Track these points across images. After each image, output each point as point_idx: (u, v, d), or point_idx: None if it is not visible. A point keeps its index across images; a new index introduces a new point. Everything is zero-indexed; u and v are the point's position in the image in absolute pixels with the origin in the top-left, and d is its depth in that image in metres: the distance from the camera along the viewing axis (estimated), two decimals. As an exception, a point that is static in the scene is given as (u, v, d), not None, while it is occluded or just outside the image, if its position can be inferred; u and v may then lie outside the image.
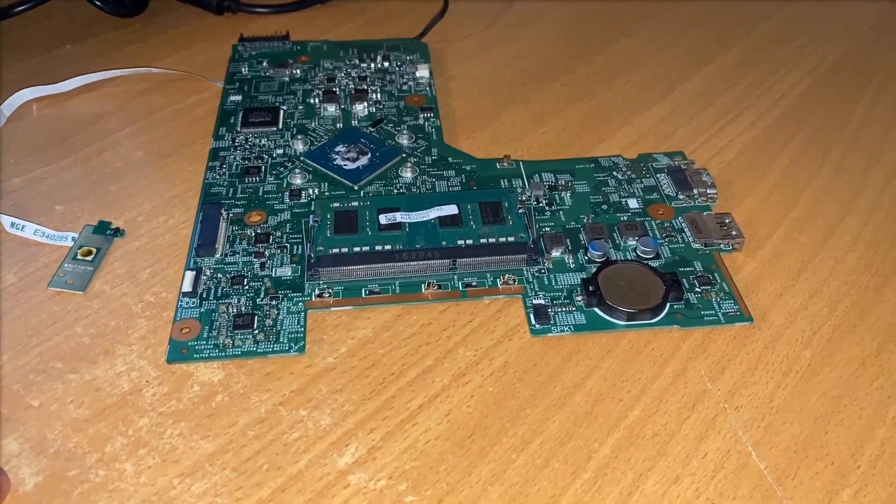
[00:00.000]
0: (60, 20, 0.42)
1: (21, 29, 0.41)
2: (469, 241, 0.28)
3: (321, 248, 0.27)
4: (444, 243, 0.28)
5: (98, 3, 0.40)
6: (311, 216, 0.29)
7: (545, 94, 0.37)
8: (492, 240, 0.28)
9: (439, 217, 0.28)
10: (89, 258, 0.28)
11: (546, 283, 0.27)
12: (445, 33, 0.41)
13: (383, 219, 0.28)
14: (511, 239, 0.28)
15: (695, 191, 0.30)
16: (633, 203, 0.30)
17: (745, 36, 0.43)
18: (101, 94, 0.37)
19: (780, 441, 0.23)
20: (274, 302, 0.26)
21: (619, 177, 0.31)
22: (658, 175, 0.31)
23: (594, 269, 0.27)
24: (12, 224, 0.29)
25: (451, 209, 0.29)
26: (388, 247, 0.27)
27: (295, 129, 0.34)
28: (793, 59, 0.41)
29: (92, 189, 0.31)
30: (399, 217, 0.28)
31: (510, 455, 0.22)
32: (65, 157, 0.33)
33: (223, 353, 0.24)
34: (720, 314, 0.26)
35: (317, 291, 0.26)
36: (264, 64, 0.38)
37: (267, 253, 0.28)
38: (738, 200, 0.31)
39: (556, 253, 0.28)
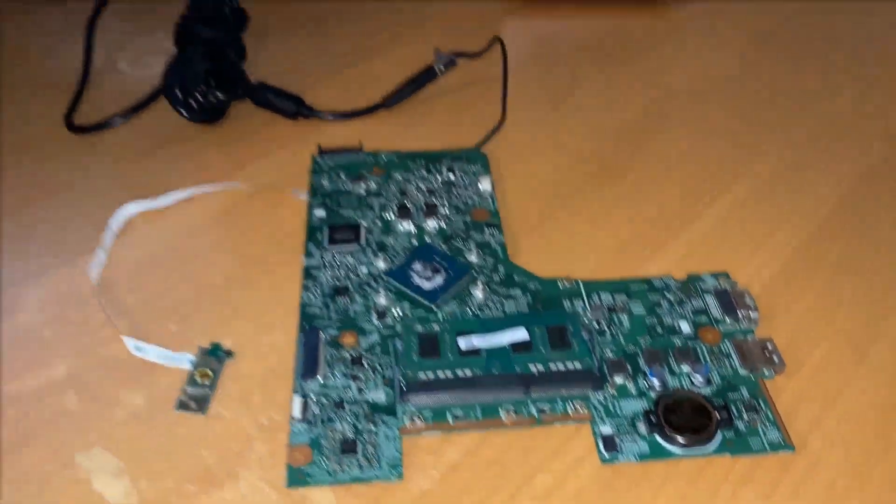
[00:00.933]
0: (151, 129, 0.46)
1: (114, 137, 0.45)
2: (540, 367, 0.31)
3: (409, 373, 0.31)
4: (517, 369, 0.31)
5: (183, 112, 0.44)
6: (397, 340, 0.32)
7: (596, 203, 0.41)
8: (560, 366, 0.31)
9: (512, 343, 0.32)
10: (206, 381, 0.32)
11: (611, 409, 0.30)
12: (502, 138, 0.45)
13: (462, 343, 0.32)
14: (577, 365, 0.31)
15: (739, 313, 0.34)
16: (684, 326, 0.34)
17: (783, 138, 0.46)
18: (196, 208, 0.40)
19: (822, 567, 0.26)
20: (372, 427, 0.30)
21: (671, 298, 0.35)
22: (706, 296, 0.35)
23: (654, 397, 0.31)
24: (136, 348, 0.33)
25: (522, 334, 0.32)
26: (468, 372, 0.31)
27: (375, 246, 0.37)
28: (828, 166, 0.44)
29: (199, 308, 0.35)
30: (476, 342, 0.32)
31: (588, 580, 0.26)
32: (171, 275, 0.37)
33: (334, 478, 0.28)
34: (765, 442, 0.29)
35: (408, 417, 0.30)
36: (342, 176, 0.42)
37: (362, 376, 0.32)
38: (778, 321, 0.34)
39: (618, 379, 0.31)
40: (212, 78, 0.45)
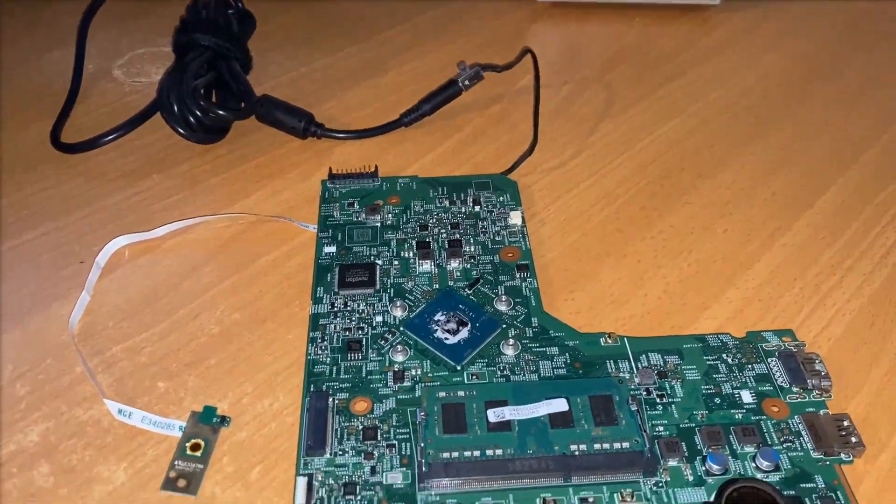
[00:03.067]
0: (145, 148, 0.42)
1: (104, 156, 0.41)
2: (582, 447, 0.27)
3: (431, 452, 0.27)
4: (556, 448, 0.27)
5: (181, 130, 0.40)
6: (417, 410, 0.28)
7: (641, 245, 0.36)
8: (605, 445, 0.27)
9: (549, 414, 0.28)
10: (198, 453, 0.28)
11: (665, 499, 0.26)
12: (533, 165, 0.41)
13: (492, 416, 0.28)
14: (626, 444, 0.27)
15: (809, 382, 0.29)
16: (746, 396, 0.29)
17: (845, 172, 0.41)
18: (193, 240, 0.36)
19: None
20: (389, 519, 0.26)
21: (730, 361, 0.30)
22: (769, 359, 0.30)
23: (713, 485, 0.26)
24: (119, 411, 0.29)
25: (562, 405, 0.28)
26: (499, 451, 0.27)
27: (392, 291, 0.33)
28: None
29: (192, 362, 0.31)
30: (508, 413, 0.28)
31: None
32: (161, 321, 0.32)
33: (342, 582, 0.24)
34: (847, 544, 0.25)
35: (430, 504, 0.26)
36: (356, 206, 0.37)
37: (376, 454, 0.27)
38: (852, 390, 0.30)
39: (672, 462, 0.27)
40: (213, 91, 0.41)
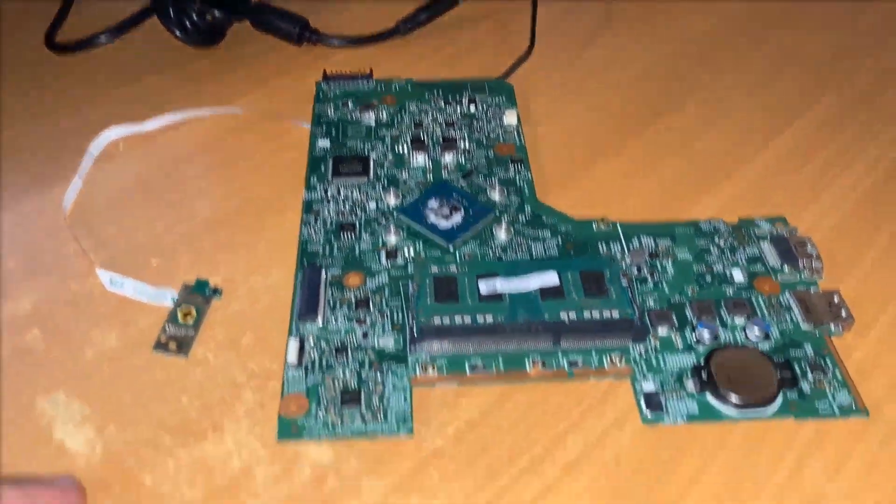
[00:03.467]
0: (140, 50, 0.42)
1: (99, 59, 0.41)
2: (572, 315, 0.27)
3: (423, 319, 0.27)
4: (546, 316, 0.27)
5: (176, 32, 0.40)
6: (410, 282, 0.28)
7: (637, 144, 0.36)
8: (595, 314, 0.27)
9: (540, 288, 0.28)
10: (190, 321, 0.28)
11: (654, 364, 0.26)
12: (529, 71, 0.40)
13: (483, 287, 0.28)
14: (616, 314, 0.27)
15: (800, 263, 0.29)
16: (737, 275, 0.29)
17: (846, 80, 0.41)
18: (187, 134, 0.36)
19: (905, 550, 0.22)
20: (379, 377, 0.26)
21: (721, 244, 0.31)
22: (761, 243, 0.31)
23: (703, 352, 0.26)
24: (111, 281, 0.29)
25: (553, 279, 0.28)
26: (489, 318, 0.27)
27: (386, 181, 0.33)
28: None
29: (185, 241, 0.31)
30: (499, 286, 0.28)
31: (629, 558, 0.22)
32: (155, 205, 0.33)
33: (331, 432, 0.24)
34: (834, 406, 0.25)
35: (420, 365, 0.26)
36: (349, 105, 0.37)
37: (368, 320, 0.28)
38: (843, 272, 0.30)
39: (662, 331, 0.27)
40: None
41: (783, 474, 0.24)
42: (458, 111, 0.37)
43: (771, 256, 0.30)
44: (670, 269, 0.30)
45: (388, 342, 0.27)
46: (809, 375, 0.26)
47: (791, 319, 0.28)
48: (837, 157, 0.36)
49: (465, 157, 0.35)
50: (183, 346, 0.27)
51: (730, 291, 0.29)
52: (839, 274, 0.30)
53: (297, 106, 0.38)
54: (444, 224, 0.31)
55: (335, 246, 0.30)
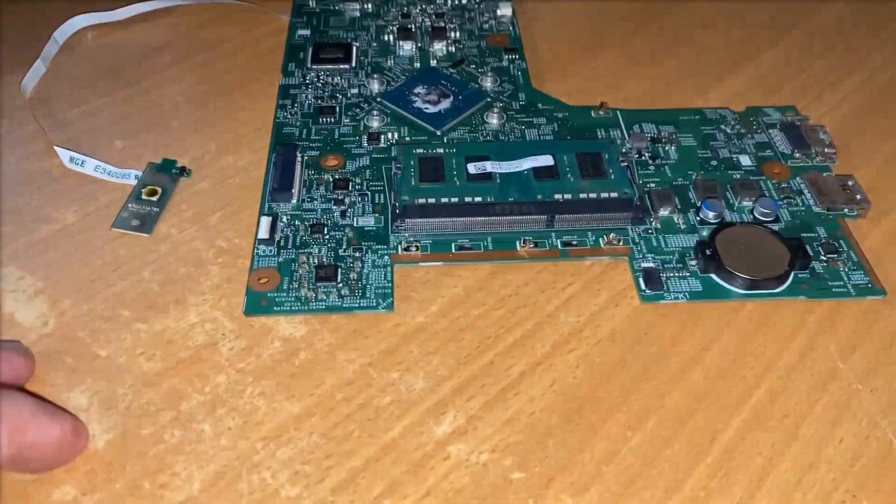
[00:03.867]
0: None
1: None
2: (567, 196, 0.25)
3: (406, 198, 0.25)
4: (539, 197, 0.25)
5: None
6: (392, 163, 0.26)
7: (640, 38, 0.34)
8: (593, 195, 0.25)
9: (534, 168, 0.26)
10: (154, 198, 0.26)
11: (654, 244, 0.24)
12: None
13: (472, 168, 0.26)
14: (614, 195, 0.25)
15: (812, 149, 0.27)
16: (745, 160, 0.27)
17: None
18: (160, 24, 0.34)
19: (925, 429, 0.20)
20: (357, 254, 0.24)
21: (729, 131, 0.28)
22: (770, 131, 0.28)
23: (708, 232, 0.25)
24: (71, 159, 0.27)
25: (547, 160, 0.26)
26: (478, 198, 0.25)
27: (370, 68, 0.31)
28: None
29: (154, 124, 0.29)
30: (490, 167, 0.26)
31: (625, 433, 0.20)
32: (124, 90, 0.30)
33: (305, 307, 0.22)
34: (850, 286, 0.23)
35: (403, 244, 0.24)
36: (333, -4, 0.35)
37: (347, 200, 0.25)
38: (858, 161, 0.28)
39: (664, 211, 0.25)
40: None
41: (793, 354, 0.22)
42: (449, 3, 0.35)
43: (781, 143, 0.28)
44: (673, 154, 0.28)
45: (368, 221, 0.25)
46: (823, 256, 0.24)
47: (803, 203, 0.26)
48: (851, 53, 0.34)
49: (455, 47, 0.32)
50: (146, 223, 0.25)
51: (737, 176, 0.27)
52: (855, 163, 0.28)
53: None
54: (431, 109, 0.29)
55: (313, 129, 0.28)
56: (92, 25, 0.33)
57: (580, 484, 0.19)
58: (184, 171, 0.27)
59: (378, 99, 0.29)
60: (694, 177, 0.27)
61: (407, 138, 0.28)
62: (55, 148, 0.27)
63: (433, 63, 0.32)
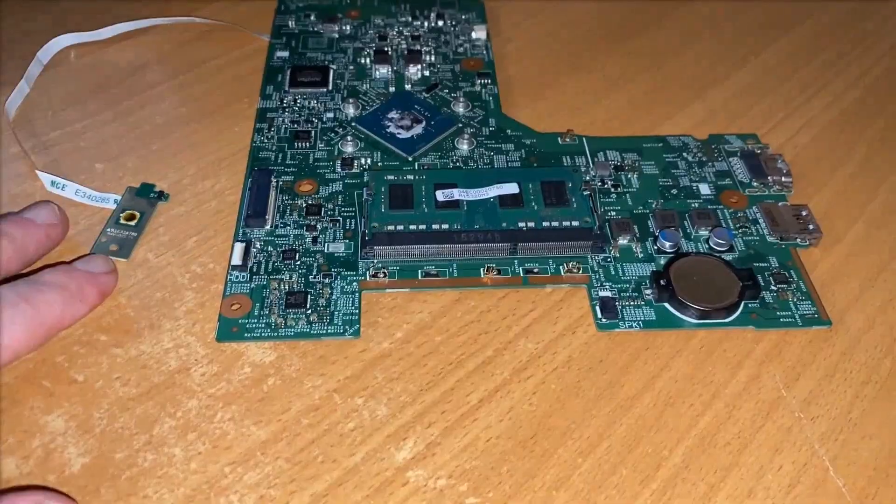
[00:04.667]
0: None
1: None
2: (531, 224, 0.26)
3: (375, 225, 0.26)
4: (504, 224, 0.26)
5: (136, -58, 0.38)
6: (364, 189, 0.27)
7: (609, 62, 0.35)
8: (555, 223, 0.26)
9: (499, 196, 0.27)
10: (132, 223, 0.26)
11: (612, 273, 0.25)
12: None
13: (440, 195, 0.27)
14: (575, 223, 0.26)
15: (769, 178, 0.28)
16: (704, 189, 0.28)
17: (824, 6, 0.40)
18: (142, 43, 0.35)
19: (859, 457, 0.21)
20: (327, 280, 0.25)
21: (690, 159, 0.29)
22: (731, 159, 0.29)
23: (664, 261, 0.26)
24: (52, 183, 0.27)
25: (512, 188, 0.27)
26: (445, 226, 0.26)
27: (346, 92, 0.32)
28: (874, 33, 0.38)
29: (133, 147, 0.30)
30: (457, 194, 0.27)
31: (576, 459, 0.21)
32: (105, 111, 0.31)
33: (275, 333, 0.23)
34: (797, 316, 0.24)
35: (371, 271, 0.25)
36: (312, 18, 0.36)
37: (319, 226, 0.26)
38: (813, 189, 0.29)
39: (623, 240, 0.26)
40: None
41: (740, 382, 0.23)
42: (426, 26, 0.36)
43: (740, 171, 0.29)
44: (635, 181, 0.29)
45: (338, 248, 0.26)
46: (773, 286, 0.25)
47: (757, 232, 0.27)
48: (812, 80, 0.35)
49: (430, 70, 0.33)
50: (124, 247, 0.26)
51: (695, 205, 0.28)
52: (810, 191, 0.29)
53: (258, 19, 0.36)
54: (403, 135, 0.30)
55: (288, 154, 0.29)
56: (75, 45, 0.34)
57: (530, 509, 0.20)
58: (161, 195, 0.28)
59: (353, 124, 0.30)
60: (654, 205, 0.28)
61: (380, 163, 0.29)
62: (37, 172, 0.27)
63: (408, 87, 0.32)
